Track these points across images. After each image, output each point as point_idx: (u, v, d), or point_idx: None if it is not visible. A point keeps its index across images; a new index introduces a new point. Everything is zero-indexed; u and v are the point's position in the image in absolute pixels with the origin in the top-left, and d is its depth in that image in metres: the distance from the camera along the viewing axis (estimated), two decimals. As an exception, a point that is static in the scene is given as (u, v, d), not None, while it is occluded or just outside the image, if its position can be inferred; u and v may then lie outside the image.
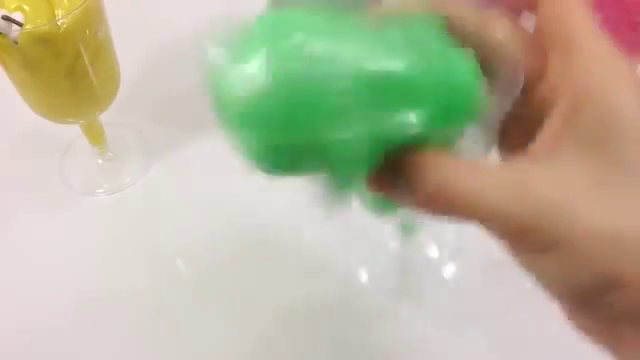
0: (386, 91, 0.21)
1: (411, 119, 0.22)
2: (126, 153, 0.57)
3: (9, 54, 0.41)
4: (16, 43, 0.39)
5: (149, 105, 0.60)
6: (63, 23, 0.40)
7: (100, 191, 0.55)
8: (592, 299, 0.21)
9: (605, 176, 0.21)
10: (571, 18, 0.23)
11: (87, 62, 0.44)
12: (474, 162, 0.23)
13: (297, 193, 0.56)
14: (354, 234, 0.51)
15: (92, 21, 0.43)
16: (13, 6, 0.40)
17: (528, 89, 0.24)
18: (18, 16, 0.39)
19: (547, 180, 0.21)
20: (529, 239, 0.21)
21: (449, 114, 0.22)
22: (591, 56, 0.22)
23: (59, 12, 0.41)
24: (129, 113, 0.58)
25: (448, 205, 0.22)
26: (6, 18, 0.38)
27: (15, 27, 0.39)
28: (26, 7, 0.40)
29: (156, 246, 0.50)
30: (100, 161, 0.56)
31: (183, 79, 0.62)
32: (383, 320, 0.46)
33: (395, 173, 0.23)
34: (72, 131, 0.53)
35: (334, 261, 0.49)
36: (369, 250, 0.50)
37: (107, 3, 0.45)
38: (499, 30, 0.24)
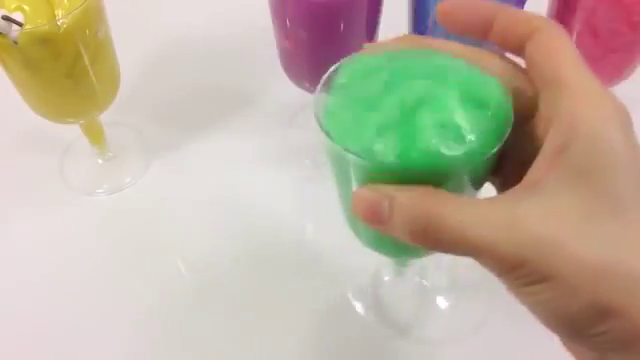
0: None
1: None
2: (126, 153, 0.57)
3: (9, 54, 0.41)
4: (16, 43, 0.39)
5: (149, 105, 0.60)
6: (63, 23, 0.40)
7: (100, 191, 0.55)
8: (582, 329, 0.22)
9: (594, 206, 0.21)
10: (557, 58, 0.24)
11: (87, 62, 0.44)
12: (464, 197, 0.24)
13: (297, 194, 0.57)
14: (352, 233, 0.51)
15: (92, 21, 0.43)
16: (13, 6, 0.40)
17: (523, 123, 0.25)
18: (18, 16, 0.40)
19: (537, 213, 0.22)
20: (519, 274, 0.22)
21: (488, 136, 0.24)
22: (579, 93, 0.23)
23: (59, 12, 0.41)
24: (129, 113, 0.58)
25: (437, 240, 0.23)
26: (6, 18, 0.38)
27: (15, 27, 0.39)
28: (26, 7, 0.40)
29: (156, 246, 0.50)
30: (100, 161, 0.56)
31: (183, 79, 0.62)
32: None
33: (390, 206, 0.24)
34: (72, 131, 0.54)
35: (334, 261, 0.49)
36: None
37: (107, 3, 0.45)
38: (494, 66, 0.25)
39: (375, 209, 0.24)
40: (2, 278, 0.49)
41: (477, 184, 0.27)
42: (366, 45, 0.28)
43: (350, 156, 0.24)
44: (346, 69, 0.27)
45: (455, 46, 0.27)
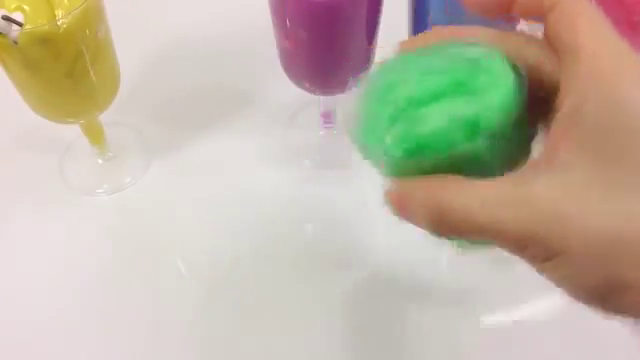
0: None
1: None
2: (126, 153, 0.57)
3: (9, 54, 0.41)
4: (16, 43, 0.39)
5: (149, 105, 0.60)
6: (63, 23, 0.40)
7: (100, 191, 0.55)
8: (606, 302, 0.21)
9: (606, 175, 0.20)
10: (577, 23, 0.22)
11: (87, 62, 0.44)
12: (470, 180, 0.23)
13: (297, 194, 0.56)
14: (352, 233, 0.51)
15: (92, 21, 0.43)
16: (13, 6, 0.40)
17: (548, 99, 0.23)
18: (18, 16, 0.39)
19: (547, 189, 0.21)
20: (531, 252, 0.21)
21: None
22: (598, 55, 0.21)
23: (59, 12, 0.41)
24: (129, 113, 0.58)
25: (452, 227, 0.22)
26: (6, 18, 0.38)
27: (15, 27, 0.39)
28: (26, 7, 0.40)
29: (156, 246, 0.50)
30: (100, 161, 0.56)
31: (183, 79, 0.62)
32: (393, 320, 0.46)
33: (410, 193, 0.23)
34: (72, 131, 0.54)
35: (334, 261, 0.49)
36: (364, 250, 0.50)
37: (107, 3, 0.45)
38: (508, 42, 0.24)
39: (403, 207, 0.24)
40: (2, 278, 0.49)
41: (506, 165, 0.25)
42: (401, 42, 0.27)
43: (371, 152, 0.24)
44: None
45: (478, 30, 0.25)
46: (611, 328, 0.22)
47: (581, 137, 0.21)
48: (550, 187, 0.21)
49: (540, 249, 0.21)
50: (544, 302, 0.46)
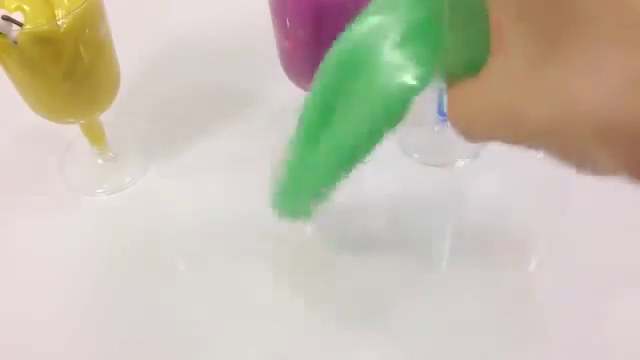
0: None
1: None
2: (126, 153, 0.57)
3: (9, 54, 0.41)
4: (16, 43, 0.39)
5: (149, 105, 0.60)
6: (63, 23, 0.40)
7: (100, 191, 0.55)
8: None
9: (551, 45, 0.19)
10: None
11: (87, 62, 0.44)
12: (458, 84, 0.24)
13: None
14: (350, 231, 0.51)
15: (92, 21, 0.43)
16: (13, 6, 0.40)
17: None
18: (18, 16, 0.40)
19: (493, 82, 0.21)
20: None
21: None
22: None
23: (59, 12, 0.41)
24: (129, 113, 0.58)
25: (471, 135, 0.23)
26: (6, 18, 0.38)
27: (15, 27, 0.39)
28: (26, 7, 0.40)
29: (156, 246, 0.50)
30: (100, 161, 0.56)
31: (183, 79, 0.62)
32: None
33: None
34: (72, 131, 0.54)
35: (334, 261, 0.49)
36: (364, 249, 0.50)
37: (107, 3, 0.45)
38: None
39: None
40: (2, 278, 0.49)
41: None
42: None
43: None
44: None
45: None
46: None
47: (517, 10, 0.20)
48: (497, 79, 0.21)
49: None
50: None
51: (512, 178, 0.53)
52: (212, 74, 0.62)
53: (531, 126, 0.20)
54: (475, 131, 0.22)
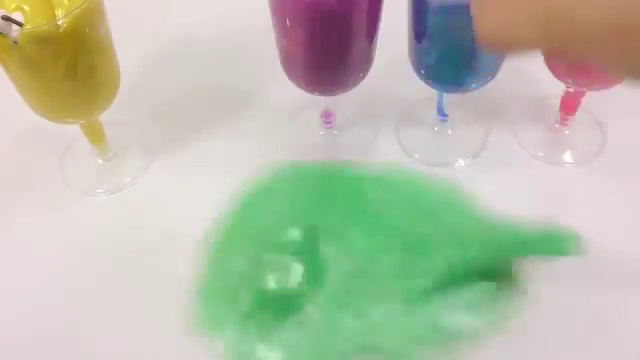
0: None
1: None
2: (126, 153, 0.57)
3: (9, 54, 0.41)
4: (16, 43, 0.39)
5: (149, 105, 0.60)
6: (63, 23, 0.40)
7: (100, 191, 0.55)
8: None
9: None
10: None
11: (87, 62, 0.44)
12: None
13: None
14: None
15: (92, 21, 0.43)
16: (13, 6, 0.40)
17: None
18: (18, 16, 0.40)
19: None
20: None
21: None
22: None
23: (59, 12, 0.41)
24: (129, 113, 0.58)
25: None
26: (6, 18, 0.38)
27: (15, 27, 0.39)
28: (26, 7, 0.40)
29: (156, 246, 0.50)
30: (100, 161, 0.56)
31: (183, 79, 0.62)
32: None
33: None
34: (72, 131, 0.54)
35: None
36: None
37: (107, 3, 0.45)
38: None
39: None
40: (2, 278, 0.49)
41: None
42: None
43: None
44: None
45: None
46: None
47: None
48: None
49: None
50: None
51: (512, 178, 0.53)
52: (212, 74, 0.62)
53: (581, 31, 0.19)
54: (504, 40, 0.22)
